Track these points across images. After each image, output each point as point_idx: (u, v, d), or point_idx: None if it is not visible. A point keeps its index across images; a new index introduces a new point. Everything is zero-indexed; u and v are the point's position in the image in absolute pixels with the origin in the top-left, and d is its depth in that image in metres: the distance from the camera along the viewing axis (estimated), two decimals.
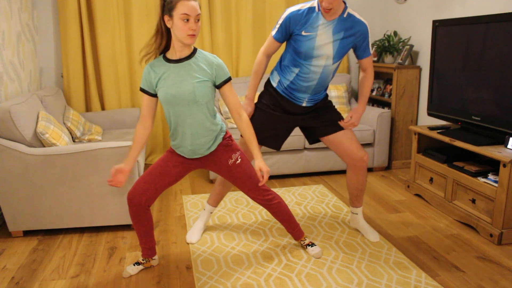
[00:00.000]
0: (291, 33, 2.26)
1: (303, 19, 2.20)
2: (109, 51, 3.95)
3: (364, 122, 3.92)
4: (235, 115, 2.10)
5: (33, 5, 3.79)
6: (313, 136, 2.52)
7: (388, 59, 4.07)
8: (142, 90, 2.04)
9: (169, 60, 1.98)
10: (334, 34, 2.21)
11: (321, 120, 2.43)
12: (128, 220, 2.71)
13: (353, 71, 4.63)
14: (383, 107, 4.17)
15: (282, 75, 2.36)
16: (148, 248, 2.26)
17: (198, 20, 1.89)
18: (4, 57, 3.07)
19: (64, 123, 3.28)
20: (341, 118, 2.44)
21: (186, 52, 1.98)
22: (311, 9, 2.21)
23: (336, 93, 4.05)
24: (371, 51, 2.28)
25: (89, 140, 3.32)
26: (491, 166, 2.79)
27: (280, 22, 2.25)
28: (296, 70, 2.29)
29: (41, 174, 2.54)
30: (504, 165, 2.43)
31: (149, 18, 3.99)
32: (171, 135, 2.12)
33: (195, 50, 2.01)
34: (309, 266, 2.29)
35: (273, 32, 2.30)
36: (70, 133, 3.23)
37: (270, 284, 2.14)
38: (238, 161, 2.16)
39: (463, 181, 2.77)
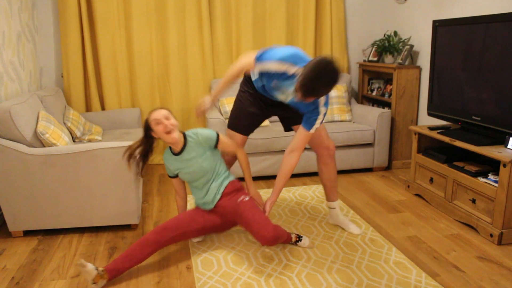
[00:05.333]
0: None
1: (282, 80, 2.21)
2: (109, 51, 3.95)
3: (364, 122, 3.92)
4: (234, 155, 2.59)
5: (33, 5, 3.79)
6: (287, 125, 2.63)
7: (388, 59, 4.07)
8: (170, 177, 2.48)
9: (173, 153, 2.37)
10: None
11: (294, 111, 2.44)
12: (128, 220, 2.71)
13: (353, 71, 4.63)
14: (383, 107, 4.17)
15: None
16: (116, 269, 2.16)
17: (168, 118, 2.25)
18: (4, 57, 3.07)
19: (64, 123, 3.28)
20: None
21: (179, 146, 2.33)
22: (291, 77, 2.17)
23: (336, 93, 4.05)
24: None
25: (89, 140, 3.32)
26: (491, 166, 2.79)
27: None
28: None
29: (41, 174, 2.54)
30: (504, 165, 2.43)
31: (149, 18, 3.99)
32: (193, 194, 2.48)
33: (185, 139, 2.34)
34: (309, 266, 2.29)
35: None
36: (70, 133, 3.23)
37: (270, 284, 2.14)
38: (246, 199, 2.38)
39: (463, 181, 2.77)
